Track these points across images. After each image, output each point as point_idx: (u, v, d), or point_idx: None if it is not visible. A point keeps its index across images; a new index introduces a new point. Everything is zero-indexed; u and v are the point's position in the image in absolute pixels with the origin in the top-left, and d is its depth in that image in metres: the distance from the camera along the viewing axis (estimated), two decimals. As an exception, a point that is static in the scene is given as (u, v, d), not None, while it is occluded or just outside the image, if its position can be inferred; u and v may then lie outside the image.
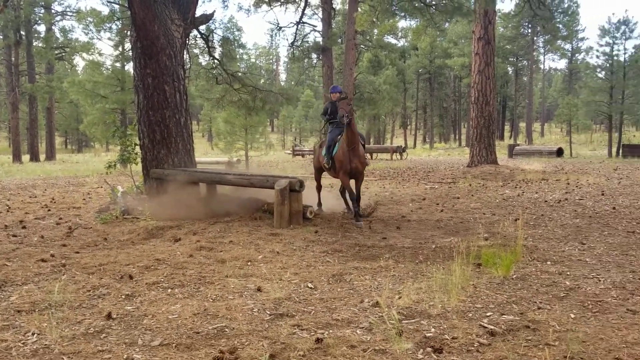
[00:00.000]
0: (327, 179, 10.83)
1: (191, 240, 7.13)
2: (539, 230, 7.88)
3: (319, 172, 9.99)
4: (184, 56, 11.08)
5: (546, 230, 7.87)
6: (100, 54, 31.53)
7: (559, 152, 34.31)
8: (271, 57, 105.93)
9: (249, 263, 5.89)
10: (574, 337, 3.60)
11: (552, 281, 5.04)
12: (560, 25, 57.16)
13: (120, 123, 24.35)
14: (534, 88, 72.10)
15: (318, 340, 3.57)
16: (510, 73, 65.80)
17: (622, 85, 33.41)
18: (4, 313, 4.22)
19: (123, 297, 4.65)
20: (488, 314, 4.13)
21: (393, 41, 53.38)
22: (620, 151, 31.79)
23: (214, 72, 14.25)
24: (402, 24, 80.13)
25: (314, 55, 36.03)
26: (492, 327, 3.83)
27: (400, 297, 4.51)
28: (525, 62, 64.57)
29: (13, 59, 38.79)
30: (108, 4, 25.45)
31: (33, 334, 3.77)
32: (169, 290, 4.87)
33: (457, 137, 71.76)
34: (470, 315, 4.13)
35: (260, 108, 15.65)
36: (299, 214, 8.30)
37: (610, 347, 3.46)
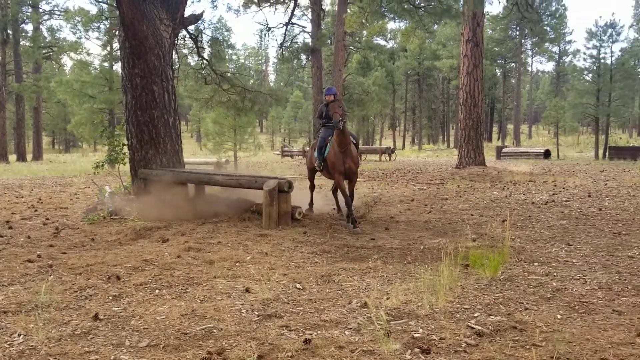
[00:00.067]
0: (319, 179, 10.81)
1: (179, 241, 7.11)
2: (526, 232, 7.93)
3: (312, 172, 9.90)
4: (173, 56, 11.03)
5: (533, 232, 7.92)
6: (88, 54, 31.28)
7: (546, 154, 34.53)
8: (260, 57, 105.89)
9: (237, 264, 5.88)
10: (561, 337, 3.63)
11: (539, 282, 5.08)
12: (548, 28, 57.52)
13: (108, 123, 24.19)
14: (522, 90, 72.55)
15: (306, 341, 3.57)
16: (498, 75, 66.17)
17: (609, 88, 33.65)
18: (-11, 314, 4.19)
19: (110, 298, 4.63)
20: (475, 315, 4.15)
21: (382, 43, 53.54)
22: (607, 153, 32.01)
23: (203, 72, 14.21)
24: (391, 25, 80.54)
25: (303, 56, 36.10)
26: (480, 327, 3.85)
27: (388, 298, 4.53)
28: (513, 64, 65.00)
29: (0, 58, 38.46)
30: (96, 3, 25.39)
31: (19, 335, 3.74)
32: (157, 291, 4.85)
33: (445, 139, 72.04)
34: (458, 316, 4.15)
35: (249, 109, 15.62)
36: (287, 215, 8.29)
37: (596, 347, 3.49)
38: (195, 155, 41.31)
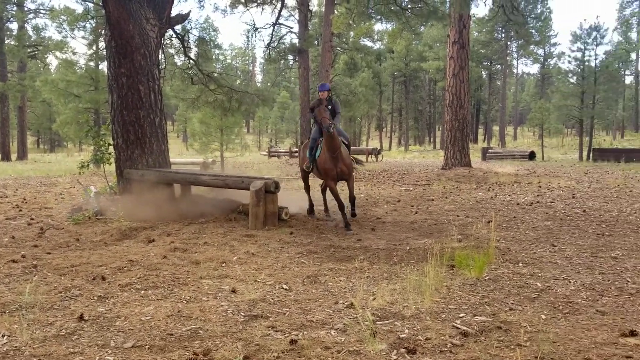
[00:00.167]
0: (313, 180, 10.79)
1: (165, 241, 7.08)
2: (511, 232, 7.98)
3: (305, 172, 9.64)
4: (159, 56, 10.99)
5: (518, 233, 7.98)
6: (73, 53, 31.00)
7: (531, 156, 34.78)
8: (247, 58, 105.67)
9: (223, 264, 5.87)
10: (545, 337, 3.66)
11: (523, 282, 5.11)
12: (533, 31, 58.00)
13: (93, 123, 24.02)
14: (507, 92, 73.05)
15: (292, 342, 3.57)
16: (484, 77, 66.60)
17: (593, 90, 33.95)
18: (-28, 315, 4.15)
19: (95, 298, 4.60)
20: (461, 315, 4.17)
21: (369, 44, 53.70)
22: (591, 155, 32.29)
23: (190, 72, 14.17)
24: (378, 26, 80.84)
25: (290, 57, 36.09)
26: (465, 328, 3.87)
27: (374, 299, 4.54)
28: (498, 66, 65.44)
29: (-16, 56, 38.11)
30: (82, 2, 25.19)
31: (3, 336, 3.71)
32: (142, 291, 4.83)
33: (431, 140, 72.37)
34: (444, 316, 4.17)
35: (236, 109, 15.59)
36: (274, 216, 8.28)
37: (580, 347, 3.53)
38: (182, 155, 41.14)
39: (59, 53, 32.17)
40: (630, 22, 63.68)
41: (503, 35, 60.25)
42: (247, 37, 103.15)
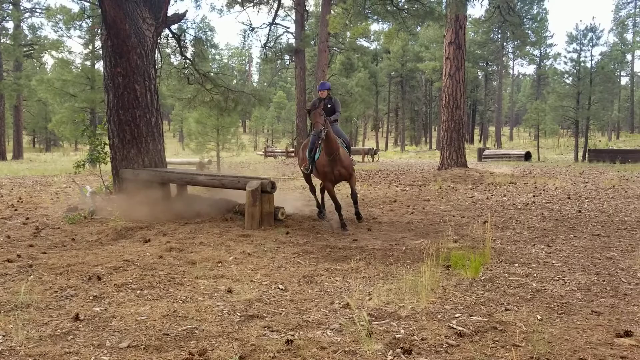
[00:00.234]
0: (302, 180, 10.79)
1: (161, 241, 7.07)
2: (506, 233, 7.99)
3: (306, 174, 9.49)
4: (156, 55, 10.97)
5: (514, 233, 7.99)
6: (69, 52, 31.11)
7: (527, 156, 34.87)
8: (244, 57, 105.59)
9: (219, 264, 5.87)
10: (540, 338, 3.67)
11: (519, 283, 5.12)
12: (530, 32, 58.16)
13: (89, 122, 24.06)
14: (503, 93, 73.16)
15: (288, 342, 3.57)
16: (480, 78, 66.75)
17: (589, 91, 34.04)
18: (-33, 315, 4.14)
19: (91, 298, 4.59)
20: (457, 315, 4.18)
21: (365, 44, 53.70)
22: (587, 156, 32.37)
23: (186, 72, 14.14)
24: (375, 27, 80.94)
25: (286, 57, 36.13)
26: (461, 328, 3.88)
27: (370, 299, 4.54)
28: (495, 67, 65.54)
29: (-21, 56, 38.00)
30: (78, 1, 25.13)
31: (-2, 336, 3.70)
32: (138, 291, 4.82)
33: (428, 140, 72.46)
34: (440, 316, 4.17)
35: (232, 109, 15.58)
36: (270, 215, 8.28)
37: (575, 347, 3.54)
38: (178, 155, 41.13)
39: (55, 52, 32.14)
40: (625, 23, 63.81)
41: (499, 36, 60.34)
42: (244, 37, 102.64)
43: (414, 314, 4.20)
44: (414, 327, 3.91)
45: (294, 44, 31.79)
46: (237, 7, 28.34)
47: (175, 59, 15.85)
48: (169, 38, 14.96)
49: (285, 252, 6.55)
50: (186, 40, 14.32)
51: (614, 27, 65.34)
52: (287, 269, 5.73)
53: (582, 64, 34.94)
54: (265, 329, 3.88)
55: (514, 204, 11.36)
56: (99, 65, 26.75)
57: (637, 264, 5.91)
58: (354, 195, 8.64)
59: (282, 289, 4.92)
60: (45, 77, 26.95)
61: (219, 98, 14.62)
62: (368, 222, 9.03)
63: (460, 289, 4.88)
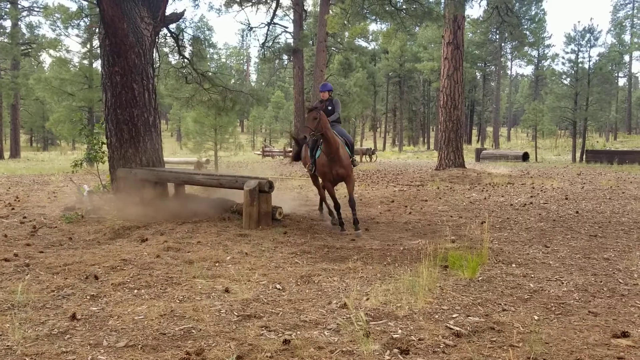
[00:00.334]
0: (302, 179, 10.78)
1: (158, 240, 7.06)
2: (504, 233, 8.00)
3: (312, 174, 9.26)
4: (154, 55, 10.96)
5: (511, 233, 8.00)
6: (67, 51, 30.95)
7: (525, 157, 34.91)
8: (242, 57, 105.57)
9: (216, 264, 5.86)
10: (537, 338, 3.67)
11: (516, 283, 5.13)
12: (528, 32, 58.15)
13: (87, 121, 23.98)
14: (501, 93, 73.28)
15: (286, 342, 3.57)
16: (478, 78, 66.81)
17: (587, 92, 34.08)
18: (-36, 314, 4.13)
19: (88, 297, 4.59)
20: (454, 316, 4.18)
21: (364, 44, 53.75)
22: (584, 156, 32.40)
23: (184, 71, 14.12)
24: (373, 27, 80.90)
25: (284, 57, 36.13)
26: (458, 328, 3.88)
27: (368, 299, 4.54)
28: (493, 67, 65.63)
29: (-23, 54, 37.95)
30: (76, 0, 25.09)
31: (-6, 335, 3.69)
32: (135, 291, 4.81)
33: (425, 141, 72.48)
34: (437, 316, 4.17)
35: (230, 108, 15.56)
36: (268, 215, 8.28)
37: (572, 348, 3.54)
38: (176, 154, 41.11)
39: (52, 51, 32.08)
40: (623, 24, 63.92)
41: (497, 36, 60.41)
42: (242, 36, 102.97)
43: (411, 314, 4.20)
44: (412, 328, 3.91)
45: (292, 44, 31.80)
46: (236, 7, 28.35)
47: (173, 58, 15.84)
48: (167, 37, 14.94)
49: (283, 252, 6.55)
50: (184, 40, 14.28)
51: (612, 28, 65.47)
52: (285, 268, 5.72)
53: (580, 65, 34.98)
54: (263, 328, 3.88)
55: (511, 205, 11.37)
56: (97, 64, 26.70)
57: (634, 264, 5.93)
58: (351, 202, 8.25)
59: (279, 289, 4.92)
60: (42, 76, 26.86)
61: (216, 97, 14.59)
62: (366, 222, 9.03)
63: (458, 290, 4.89)
